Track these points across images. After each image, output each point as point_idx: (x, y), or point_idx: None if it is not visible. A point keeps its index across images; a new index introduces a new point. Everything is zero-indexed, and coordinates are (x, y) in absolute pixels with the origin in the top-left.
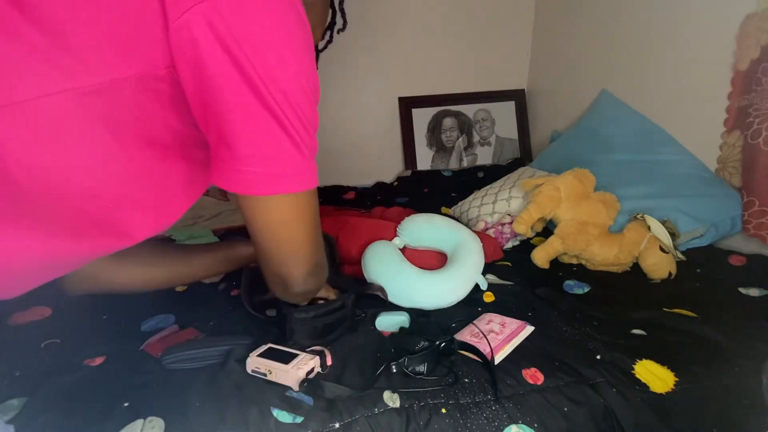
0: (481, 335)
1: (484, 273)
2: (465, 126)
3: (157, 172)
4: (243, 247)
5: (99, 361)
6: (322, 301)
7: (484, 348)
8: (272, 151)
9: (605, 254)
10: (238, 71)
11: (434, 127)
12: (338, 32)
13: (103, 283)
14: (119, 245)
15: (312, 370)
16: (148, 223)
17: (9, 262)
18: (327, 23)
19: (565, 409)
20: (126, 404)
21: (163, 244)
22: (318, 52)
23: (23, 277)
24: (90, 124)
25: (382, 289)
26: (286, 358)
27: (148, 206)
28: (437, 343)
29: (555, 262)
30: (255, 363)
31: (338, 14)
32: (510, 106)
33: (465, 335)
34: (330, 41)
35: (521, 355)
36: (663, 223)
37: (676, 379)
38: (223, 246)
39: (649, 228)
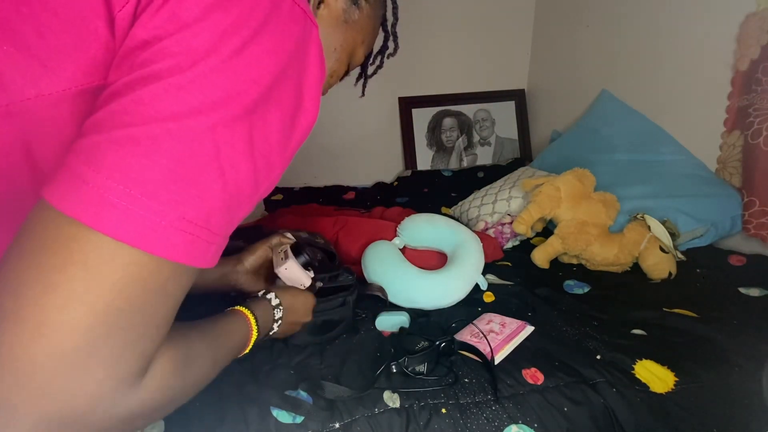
0: (481, 335)
1: (484, 273)
2: (465, 126)
3: None
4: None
5: None
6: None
7: (484, 348)
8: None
9: (605, 254)
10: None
11: (434, 127)
12: (388, 57)
13: None
14: None
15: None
16: None
17: None
18: (377, 47)
19: (565, 409)
20: None
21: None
22: (366, 77)
23: None
24: (7, 156)
25: (382, 290)
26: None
27: None
28: (437, 343)
29: (555, 262)
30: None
31: (390, 38)
32: (510, 106)
33: (465, 335)
34: (381, 66)
35: (521, 355)
36: (663, 223)
37: (676, 379)
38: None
39: (649, 228)
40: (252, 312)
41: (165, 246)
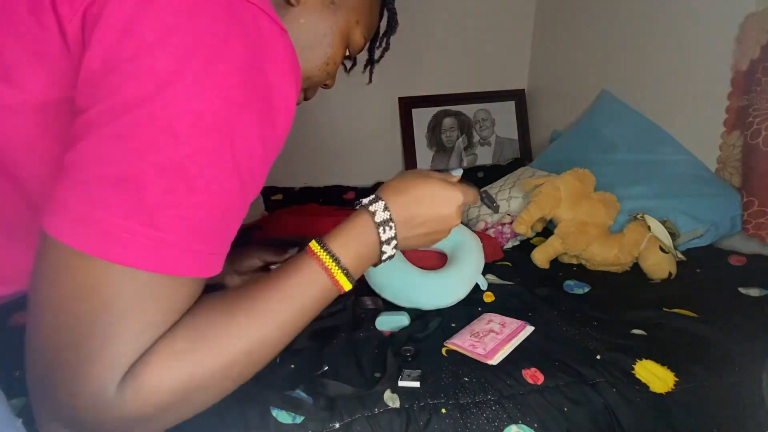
0: (482, 335)
1: (484, 273)
2: (465, 126)
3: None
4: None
5: None
6: None
7: (484, 348)
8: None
9: (605, 254)
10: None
11: (434, 127)
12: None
13: None
14: None
15: None
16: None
17: None
18: (379, 28)
19: (565, 409)
20: None
21: None
22: (373, 62)
23: None
24: None
25: (375, 300)
26: None
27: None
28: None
29: (555, 262)
30: None
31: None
32: (510, 106)
33: (465, 335)
34: (387, 48)
35: (521, 355)
36: (663, 223)
37: (676, 379)
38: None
39: (649, 228)
40: (328, 250)
41: (173, 265)
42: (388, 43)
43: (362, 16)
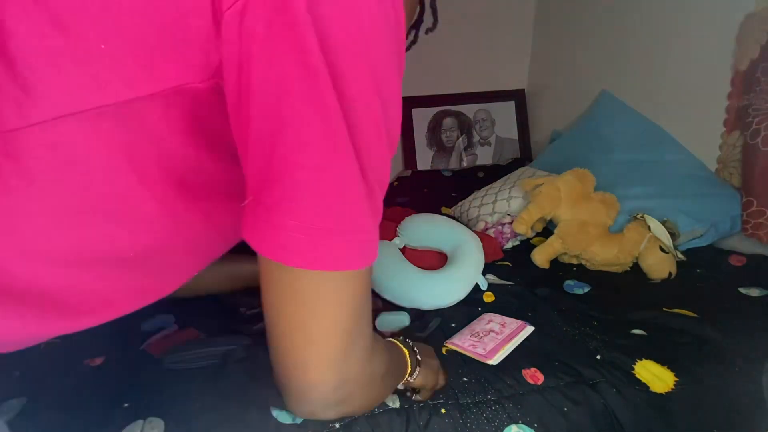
0: (481, 335)
1: (484, 273)
2: (465, 126)
3: (187, 221)
4: (248, 265)
5: (99, 361)
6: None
7: (484, 348)
8: (338, 204)
9: (605, 254)
10: (322, 72)
11: (434, 127)
12: (426, 32)
13: None
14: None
15: None
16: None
17: None
18: (413, 20)
19: (565, 409)
20: (126, 405)
21: None
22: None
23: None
24: (108, 158)
25: (375, 300)
26: None
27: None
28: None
29: (555, 262)
30: None
31: (428, 11)
32: (510, 106)
33: (465, 335)
34: (415, 41)
35: (521, 355)
36: (663, 223)
37: (676, 379)
38: (227, 262)
39: (649, 228)
40: (404, 346)
41: (353, 261)
42: (416, 36)
43: (410, 9)
